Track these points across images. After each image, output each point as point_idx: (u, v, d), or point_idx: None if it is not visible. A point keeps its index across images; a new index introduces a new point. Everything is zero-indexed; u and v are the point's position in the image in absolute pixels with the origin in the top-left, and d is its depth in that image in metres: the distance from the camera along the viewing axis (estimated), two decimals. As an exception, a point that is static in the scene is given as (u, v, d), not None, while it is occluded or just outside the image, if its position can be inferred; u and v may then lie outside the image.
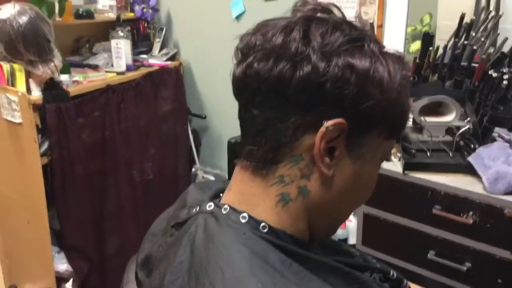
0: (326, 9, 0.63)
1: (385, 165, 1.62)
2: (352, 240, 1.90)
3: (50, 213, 2.08)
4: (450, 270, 1.51)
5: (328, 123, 0.57)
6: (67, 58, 2.35)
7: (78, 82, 2.09)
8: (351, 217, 1.92)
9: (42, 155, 1.95)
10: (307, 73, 0.56)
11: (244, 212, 0.61)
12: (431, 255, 1.54)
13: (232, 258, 0.57)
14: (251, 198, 0.62)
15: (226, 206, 0.63)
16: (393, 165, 1.61)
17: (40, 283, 2.13)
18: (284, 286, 0.54)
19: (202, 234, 0.61)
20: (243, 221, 0.61)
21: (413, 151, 1.60)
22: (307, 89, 0.56)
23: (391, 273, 0.77)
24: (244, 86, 0.60)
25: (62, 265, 2.14)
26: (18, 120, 1.90)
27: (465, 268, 1.47)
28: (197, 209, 0.66)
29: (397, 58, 0.61)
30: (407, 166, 1.56)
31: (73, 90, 2.01)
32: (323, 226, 0.66)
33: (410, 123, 1.67)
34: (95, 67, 2.25)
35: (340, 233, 1.95)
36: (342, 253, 0.77)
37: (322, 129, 0.57)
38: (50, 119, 1.90)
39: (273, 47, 0.57)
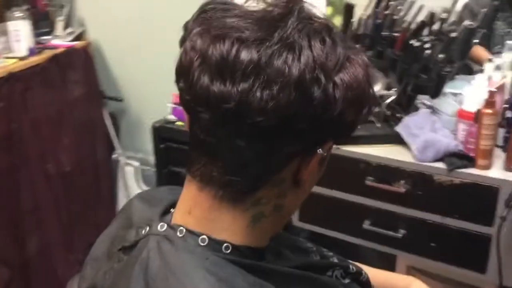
0: (303, 8, 0.54)
1: (316, 140, 1.61)
2: (286, 216, 1.90)
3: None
4: (385, 238, 1.54)
5: (323, 149, 0.55)
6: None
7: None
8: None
9: None
10: (320, 103, 0.50)
11: (203, 234, 0.55)
12: (366, 225, 1.57)
13: None
14: (219, 224, 0.56)
15: (181, 228, 0.56)
16: (324, 140, 1.60)
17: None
18: None
19: (157, 261, 0.55)
20: (203, 244, 0.55)
21: (343, 124, 1.60)
22: (315, 120, 0.51)
23: (350, 267, 0.75)
24: (232, 116, 0.50)
25: (-22, 274, 1.96)
26: None
27: (400, 235, 1.52)
28: (147, 230, 0.59)
29: (359, 50, 0.57)
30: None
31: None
32: (282, 226, 0.64)
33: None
34: (-8, 53, 2.02)
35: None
36: (299, 250, 0.74)
37: (317, 156, 0.55)
38: None
39: (288, 75, 0.48)
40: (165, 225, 0.58)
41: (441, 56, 1.47)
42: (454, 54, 1.54)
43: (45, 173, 2.17)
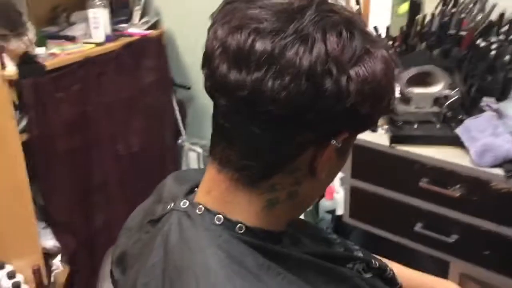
0: (324, 1, 0.55)
1: (372, 137, 1.60)
2: (339, 211, 1.89)
3: (34, 189, 2.05)
4: (437, 242, 1.50)
5: (338, 140, 0.56)
6: (44, 29, 2.26)
7: (55, 55, 2.02)
8: (338, 188, 1.91)
9: (22, 131, 1.89)
10: (331, 95, 0.51)
11: (219, 213, 0.59)
12: (418, 227, 1.53)
13: (208, 264, 0.55)
14: (235, 206, 0.59)
15: (201, 206, 0.60)
16: (380, 138, 1.59)
17: (27, 259, 2.11)
18: None
19: (176, 234, 0.60)
20: (218, 222, 0.59)
21: (400, 123, 1.57)
22: (327, 111, 0.52)
23: (373, 262, 0.76)
24: (246, 103, 0.53)
25: (49, 241, 2.12)
26: (-6, 97, 1.83)
27: (452, 240, 1.47)
28: (172, 205, 0.64)
29: (381, 44, 0.57)
30: (394, 139, 1.54)
31: (50, 64, 1.94)
32: (299, 213, 0.67)
33: (397, 94, 1.63)
34: (72, 39, 2.17)
35: (328, 204, 1.94)
36: (322, 240, 0.75)
37: (332, 147, 0.56)
38: (27, 95, 1.83)
39: (299, 66, 0.50)
40: (187, 202, 0.62)
41: (508, 57, 1.40)
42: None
43: (114, 154, 2.30)
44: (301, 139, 0.55)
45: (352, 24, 0.54)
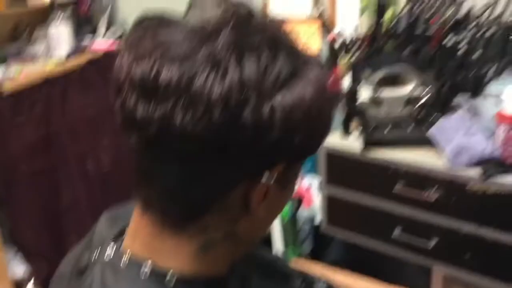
0: (247, 19, 0.49)
1: (345, 142, 1.55)
2: (318, 220, 1.84)
3: (1, 214, 1.96)
4: (417, 247, 1.46)
5: (269, 177, 0.49)
6: (4, 48, 2.17)
7: (12, 78, 1.93)
8: (315, 196, 1.86)
9: (-18, 157, 1.81)
10: (252, 127, 0.44)
11: (147, 261, 0.52)
12: (397, 233, 1.49)
13: None
14: (164, 252, 0.52)
15: (126, 255, 0.53)
16: (353, 142, 1.54)
17: (-3, 290, 2.02)
18: None
19: None
20: (144, 277, 0.51)
21: (372, 126, 1.52)
22: (248, 146, 0.45)
23: None
24: (156, 141, 0.46)
25: (20, 268, 2.04)
26: (-51, 123, 1.75)
27: (432, 244, 1.43)
28: (97, 254, 0.57)
29: (314, 63, 0.51)
30: (366, 144, 1.49)
31: (8, 88, 1.86)
32: (244, 250, 0.59)
33: (367, 96, 1.58)
34: (32, 58, 2.09)
35: (306, 214, 1.88)
36: (278, 276, 0.69)
37: (262, 184, 0.49)
38: (-16, 120, 1.75)
39: (207, 97, 0.43)
40: (113, 249, 0.55)
41: (478, 54, 1.37)
42: (494, 53, 1.43)
43: (84, 174, 2.22)
44: (226, 176, 0.48)
45: (277, 43, 0.47)
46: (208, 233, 0.51)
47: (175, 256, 0.52)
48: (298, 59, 0.48)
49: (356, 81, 1.51)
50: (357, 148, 1.51)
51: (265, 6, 2.01)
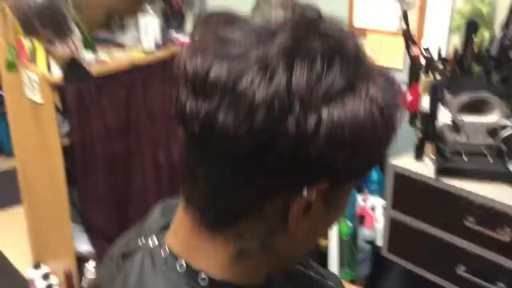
0: (311, 22, 0.47)
1: (417, 166, 1.47)
2: (379, 242, 1.76)
3: (74, 193, 2.07)
4: (480, 289, 1.35)
5: (310, 192, 0.46)
6: (97, 33, 2.29)
7: (102, 61, 2.03)
8: (379, 217, 1.78)
9: (64, 136, 1.91)
10: (293, 137, 0.42)
11: (183, 260, 0.52)
12: (460, 270, 1.39)
13: None
14: (200, 252, 0.52)
15: (166, 247, 0.54)
16: (425, 168, 1.45)
17: (61, 262, 2.14)
18: None
19: (134, 277, 0.53)
20: (180, 270, 0.51)
21: (448, 154, 1.43)
22: (289, 156, 0.43)
23: None
24: (199, 137, 0.45)
25: (84, 246, 2.14)
26: (38, 100, 1.86)
27: (497, 289, 1.32)
28: (142, 241, 0.57)
29: (380, 77, 0.47)
30: (440, 171, 1.40)
31: (96, 70, 1.95)
32: (288, 264, 0.58)
33: (447, 120, 1.49)
34: (121, 45, 2.18)
35: (368, 234, 1.81)
36: None
37: (302, 198, 0.46)
38: (70, 101, 1.85)
39: (250, 99, 0.42)
40: (156, 242, 0.55)
41: None
42: None
43: (155, 162, 2.29)
44: (264, 184, 0.46)
45: (337, 53, 0.44)
46: (244, 241, 0.50)
47: (209, 258, 0.51)
48: (358, 72, 0.45)
49: (436, 102, 1.42)
50: (429, 174, 1.43)
51: (350, 17, 1.96)
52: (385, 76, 0.48)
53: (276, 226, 0.49)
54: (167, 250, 0.53)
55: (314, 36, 0.44)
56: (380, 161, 0.50)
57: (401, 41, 1.59)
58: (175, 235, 0.54)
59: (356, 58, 0.45)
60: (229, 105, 0.42)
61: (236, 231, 0.49)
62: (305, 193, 0.46)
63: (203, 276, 0.50)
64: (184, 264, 0.51)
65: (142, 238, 0.58)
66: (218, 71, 0.43)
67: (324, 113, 0.42)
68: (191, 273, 0.51)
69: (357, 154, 0.45)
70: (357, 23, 1.96)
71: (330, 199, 0.49)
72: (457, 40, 1.57)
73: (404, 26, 1.51)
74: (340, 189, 0.50)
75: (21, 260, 2.44)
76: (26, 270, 2.26)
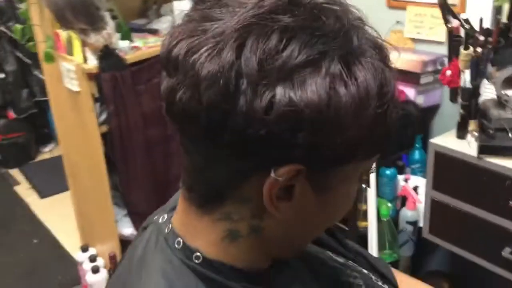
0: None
1: (458, 145, 1.41)
2: (422, 223, 1.71)
3: (116, 178, 2.12)
4: (528, 273, 1.29)
5: (277, 173, 0.43)
6: (132, 21, 2.30)
7: (137, 48, 2.04)
8: (422, 197, 1.72)
9: (102, 123, 1.95)
10: (240, 114, 0.41)
11: (181, 237, 0.52)
12: (506, 252, 1.32)
13: (142, 285, 0.52)
14: (194, 231, 0.52)
15: (170, 225, 0.54)
16: (468, 146, 1.39)
17: (106, 244, 2.20)
18: None
19: (140, 251, 0.56)
20: (177, 246, 0.52)
21: (492, 131, 1.35)
22: (243, 135, 0.42)
23: None
24: (170, 115, 0.46)
25: (127, 229, 2.19)
26: (76, 89, 1.90)
27: (547, 273, 1.25)
28: (155, 217, 0.59)
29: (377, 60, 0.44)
30: (483, 149, 1.33)
31: (131, 57, 1.96)
32: (289, 252, 0.56)
33: (492, 95, 1.41)
34: (155, 32, 2.18)
35: (409, 215, 1.76)
36: (337, 284, 0.63)
37: (270, 179, 0.44)
38: (106, 89, 1.88)
39: (197, 74, 0.41)
40: (165, 218, 0.56)
41: None
42: None
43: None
44: (231, 164, 0.45)
45: (307, 27, 0.41)
46: (232, 222, 0.49)
47: (203, 238, 0.51)
48: (333, 49, 0.41)
49: (478, 77, 1.35)
50: (471, 153, 1.36)
51: (389, -12, 1.88)
52: (380, 56, 0.44)
53: (261, 208, 0.47)
54: (170, 227, 0.54)
55: (286, 10, 0.42)
56: (382, 148, 0.45)
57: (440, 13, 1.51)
58: (177, 213, 0.55)
59: (337, 34, 0.42)
60: (184, 81, 0.42)
61: (223, 211, 0.49)
62: (272, 174, 0.43)
63: (197, 254, 0.50)
64: (181, 241, 0.52)
65: (160, 215, 0.59)
66: (178, 48, 0.43)
67: (278, 91, 0.40)
68: (187, 250, 0.51)
69: (326, 136, 0.42)
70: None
71: (318, 185, 0.46)
72: (501, 11, 1.47)
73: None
74: (329, 175, 0.46)
75: (71, 244, 2.54)
76: (76, 253, 2.34)
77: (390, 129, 0.46)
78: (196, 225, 0.51)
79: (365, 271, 0.69)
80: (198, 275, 0.50)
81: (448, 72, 1.35)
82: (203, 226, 0.51)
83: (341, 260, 0.67)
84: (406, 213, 1.77)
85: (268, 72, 0.40)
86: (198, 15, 0.45)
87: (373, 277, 0.68)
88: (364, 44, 0.43)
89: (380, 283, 0.69)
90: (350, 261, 0.69)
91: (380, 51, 0.45)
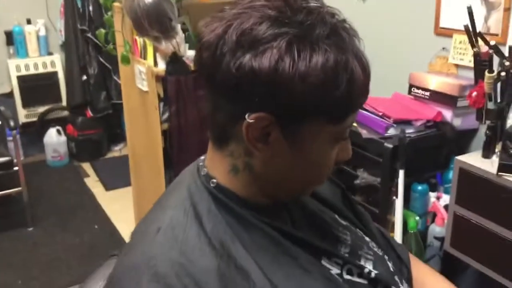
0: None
1: (482, 163, 1.49)
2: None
3: (171, 174, 2.32)
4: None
5: (250, 117, 0.60)
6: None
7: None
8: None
9: (164, 121, 2.17)
10: (223, 71, 0.59)
11: (206, 167, 0.70)
12: (520, 269, 1.38)
13: (172, 195, 0.70)
14: (212, 163, 0.69)
15: (203, 157, 0.73)
16: (489, 164, 1.46)
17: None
18: (188, 226, 0.64)
19: (180, 176, 0.75)
20: (202, 173, 0.70)
21: (513, 151, 1.43)
22: (226, 84, 0.60)
23: (371, 273, 0.73)
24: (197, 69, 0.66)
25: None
26: (145, 89, 2.14)
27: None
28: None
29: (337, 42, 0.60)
30: (503, 167, 1.41)
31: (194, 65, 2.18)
32: (281, 193, 0.70)
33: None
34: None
35: (438, 230, 1.83)
36: (325, 235, 0.75)
37: (246, 122, 0.61)
38: (170, 90, 2.10)
39: (201, 42, 0.62)
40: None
41: None
42: None
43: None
44: (225, 109, 0.62)
45: (275, 18, 0.59)
46: (234, 159, 0.66)
47: (217, 169, 0.68)
48: (293, 31, 0.58)
49: (502, 100, 1.43)
50: (492, 170, 1.43)
51: (437, 18, 1.99)
52: (337, 46, 0.60)
53: (250, 148, 0.63)
54: (203, 158, 0.72)
55: (274, 7, 0.60)
56: (340, 115, 0.61)
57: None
58: (208, 151, 0.72)
59: (302, 24, 0.59)
60: (197, 47, 0.63)
61: (229, 149, 0.66)
62: (246, 117, 0.60)
63: (213, 180, 0.68)
64: (206, 170, 0.69)
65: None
66: (205, 28, 0.62)
67: (246, 57, 0.58)
68: (207, 176, 0.69)
69: (278, 92, 0.58)
70: (444, 23, 1.99)
71: (290, 137, 0.62)
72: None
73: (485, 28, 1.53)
74: (298, 130, 0.62)
75: (127, 232, 2.72)
76: (130, 240, 2.56)
77: (344, 99, 0.61)
78: (214, 159, 0.68)
79: (367, 238, 0.80)
80: (212, 195, 0.67)
81: (474, 94, 1.45)
82: (217, 160, 0.68)
83: (344, 222, 0.80)
84: (435, 229, 1.84)
85: (242, 43, 0.58)
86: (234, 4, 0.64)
87: (376, 248, 0.80)
88: (323, 33, 0.60)
89: (376, 249, 0.79)
90: (356, 228, 0.81)
91: (339, 41, 0.61)
